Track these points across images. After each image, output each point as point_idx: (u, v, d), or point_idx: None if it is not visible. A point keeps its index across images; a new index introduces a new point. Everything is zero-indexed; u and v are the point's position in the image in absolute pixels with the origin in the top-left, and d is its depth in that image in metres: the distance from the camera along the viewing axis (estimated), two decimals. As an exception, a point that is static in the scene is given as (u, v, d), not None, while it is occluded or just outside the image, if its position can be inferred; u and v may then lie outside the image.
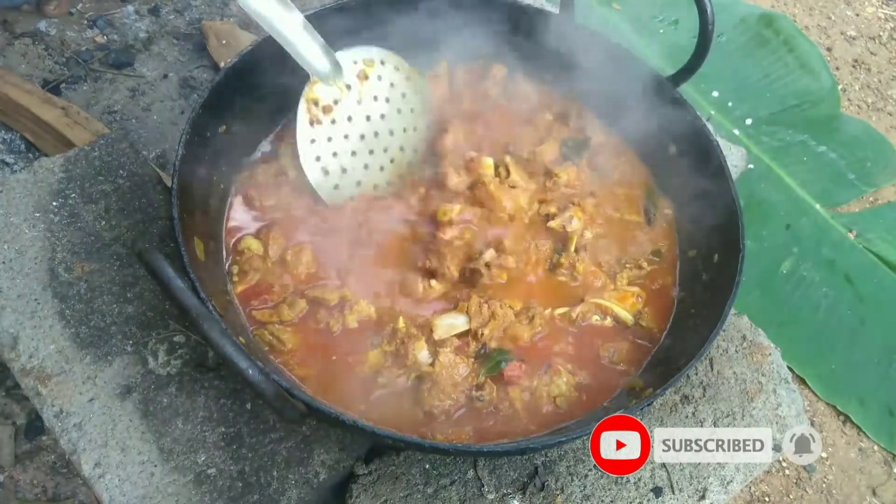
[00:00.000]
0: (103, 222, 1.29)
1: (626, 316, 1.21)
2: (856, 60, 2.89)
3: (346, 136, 1.22)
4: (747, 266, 1.15)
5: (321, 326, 1.13)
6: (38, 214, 1.27)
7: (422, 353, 1.11)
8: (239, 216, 1.24)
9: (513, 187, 1.30)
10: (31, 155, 1.76)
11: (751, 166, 2.29)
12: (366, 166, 1.25)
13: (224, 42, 1.97)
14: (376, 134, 1.25)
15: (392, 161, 1.28)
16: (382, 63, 1.26)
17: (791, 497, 1.86)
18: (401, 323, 1.13)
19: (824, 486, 1.89)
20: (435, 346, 1.12)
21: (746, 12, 2.70)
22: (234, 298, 1.15)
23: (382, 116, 1.26)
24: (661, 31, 2.61)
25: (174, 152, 1.10)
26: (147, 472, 1.08)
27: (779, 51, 2.62)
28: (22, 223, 1.26)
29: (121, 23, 2.04)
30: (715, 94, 2.48)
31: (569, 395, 1.12)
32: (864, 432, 1.97)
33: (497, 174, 1.31)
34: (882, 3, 3.16)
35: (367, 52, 1.25)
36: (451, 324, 1.15)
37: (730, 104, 2.47)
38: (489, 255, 1.19)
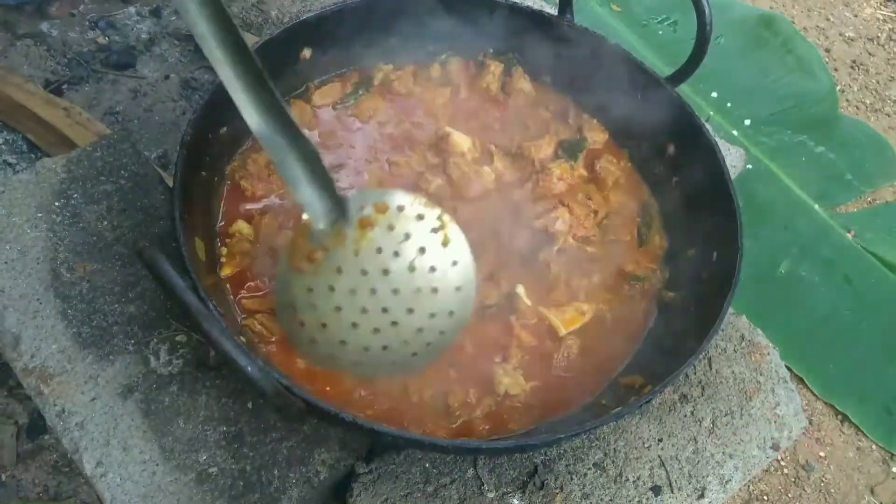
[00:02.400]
0: (105, 222, 1.30)
1: (559, 326, 1.18)
2: (854, 61, 2.90)
3: (331, 288, 1.02)
4: (746, 266, 1.15)
5: None
6: (40, 214, 1.28)
7: None
8: (231, 204, 1.24)
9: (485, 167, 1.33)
10: (33, 155, 1.77)
11: (749, 167, 2.30)
12: (354, 325, 1.04)
13: (225, 43, 1.97)
14: (374, 291, 1.03)
15: (394, 324, 1.05)
16: (399, 210, 1.04)
17: (789, 496, 1.87)
18: None
19: (822, 484, 1.90)
20: None
21: (745, 13, 2.71)
22: (223, 283, 1.15)
23: (385, 272, 1.03)
24: (660, 32, 2.62)
25: (176, 153, 1.10)
26: (149, 470, 1.08)
27: (777, 52, 2.63)
28: (24, 223, 1.27)
29: (122, 24, 2.05)
30: (714, 94, 2.49)
31: (527, 391, 1.12)
32: (862, 431, 1.98)
33: (477, 160, 1.34)
34: (881, 4, 3.17)
35: (383, 195, 1.05)
36: None
37: (728, 105, 2.48)
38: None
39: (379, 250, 1.03)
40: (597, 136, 1.43)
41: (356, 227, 1.02)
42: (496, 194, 1.33)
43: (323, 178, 0.98)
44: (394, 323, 1.05)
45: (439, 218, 1.05)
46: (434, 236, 1.05)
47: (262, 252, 1.18)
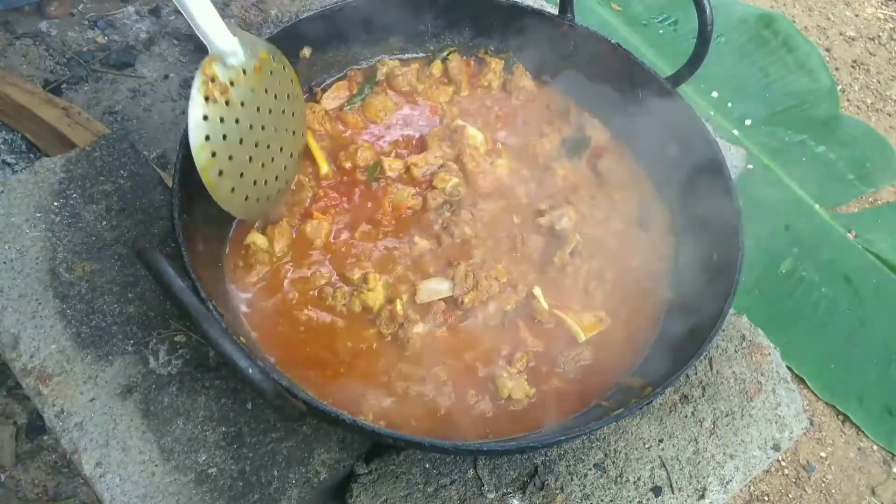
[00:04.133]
0: (104, 222, 1.30)
1: (578, 332, 1.18)
2: (855, 61, 2.89)
3: (237, 121, 1.16)
4: (746, 266, 1.15)
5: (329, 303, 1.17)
6: (39, 214, 1.28)
7: (418, 327, 1.14)
8: None
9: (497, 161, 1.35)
10: (32, 155, 1.77)
11: (750, 166, 2.30)
12: (250, 159, 1.20)
13: (224, 43, 1.97)
14: (263, 127, 1.21)
15: (273, 160, 1.24)
16: (274, 59, 1.22)
17: (790, 496, 1.87)
18: (398, 306, 1.14)
19: (823, 485, 1.90)
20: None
21: (745, 13, 2.71)
22: (233, 288, 1.17)
23: (270, 111, 1.22)
24: (661, 31, 2.62)
25: (175, 153, 1.10)
26: (148, 471, 1.08)
27: (778, 51, 2.62)
28: (23, 223, 1.26)
29: (121, 23, 2.05)
30: (714, 94, 2.49)
31: (530, 396, 1.13)
32: (863, 432, 1.98)
33: (489, 153, 1.36)
34: (881, 3, 3.16)
35: (262, 44, 1.21)
36: (435, 289, 1.17)
37: (729, 105, 2.48)
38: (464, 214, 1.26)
39: (266, 91, 1.21)
40: (599, 135, 1.43)
41: (252, 69, 1.18)
42: (505, 193, 1.33)
43: (220, 21, 1.13)
44: (272, 159, 1.24)
45: (293, 72, 1.27)
46: (291, 86, 1.27)
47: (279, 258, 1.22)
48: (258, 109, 1.20)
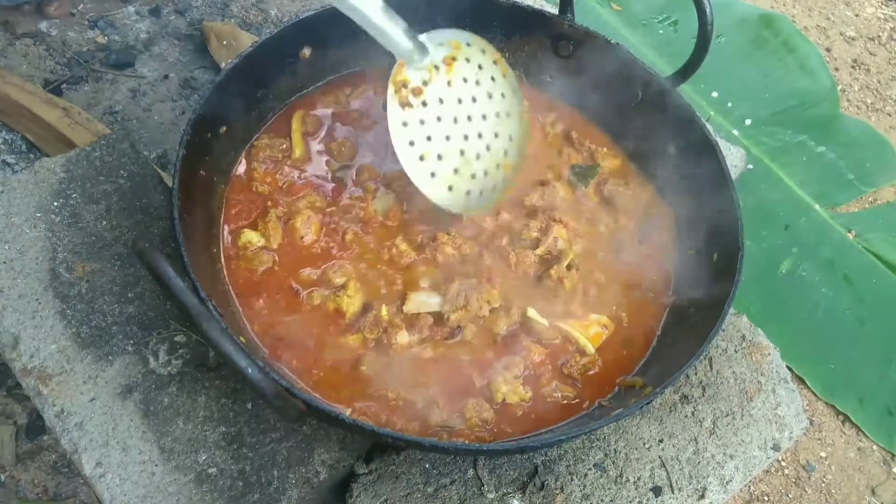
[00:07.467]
0: (104, 222, 1.30)
1: (586, 344, 1.18)
2: (855, 61, 2.90)
3: (438, 119, 1.17)
4: (746, 266, 1.15)
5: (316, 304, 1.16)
6: (39, 215, 1.28)
7: (401, 335, 1.13)
8: (236, 202, 1.25)
9: None
10: (32, 155, 1.77)
11: (750, 167, 2.30)
12: (461, 152, 1.19)
13: (225, 43, 1.97)
14: (469, 118, 1.20)
15: (488, 148, 1.22)
16: (469, 45, 1.20)
17: (790, 496, 1.87)
18: (384, 312, 1.14)
19: (823, 485, 1.90)
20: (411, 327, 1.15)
21: (746, 13, 2.71)
22: (231, 288, 1.16)
23: (474, 100, 1.20)
24: (661, 31, 2.62)
25: (175, 153, 1.10)
26: (148, 471, 1.08)
27: (778, 51, 2.63)
28: (23, 223, 1.26)
29: (122, 23, 2.05)
30: (714, 94, 2.49)
31: (526, 401, 1.12)
32: (863, 432, 1.98)
33: None
34: (881, 3, 3.16)
35: (451, 34, 1.20)
36: (424, 301, 1.17)
37: (729, 105, 2.48)
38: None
39: (465, 80, 1.19)
40: (609, 162, 1.41)
41: (442, 62, 1.17)
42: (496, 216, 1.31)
43: (401, 25, 1.11)
44: (488, 147, 1.22)
45: (494, 50, 1.22)
46: (496, 67, 1.23)
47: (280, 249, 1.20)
48: (459, 101, 1.19)
